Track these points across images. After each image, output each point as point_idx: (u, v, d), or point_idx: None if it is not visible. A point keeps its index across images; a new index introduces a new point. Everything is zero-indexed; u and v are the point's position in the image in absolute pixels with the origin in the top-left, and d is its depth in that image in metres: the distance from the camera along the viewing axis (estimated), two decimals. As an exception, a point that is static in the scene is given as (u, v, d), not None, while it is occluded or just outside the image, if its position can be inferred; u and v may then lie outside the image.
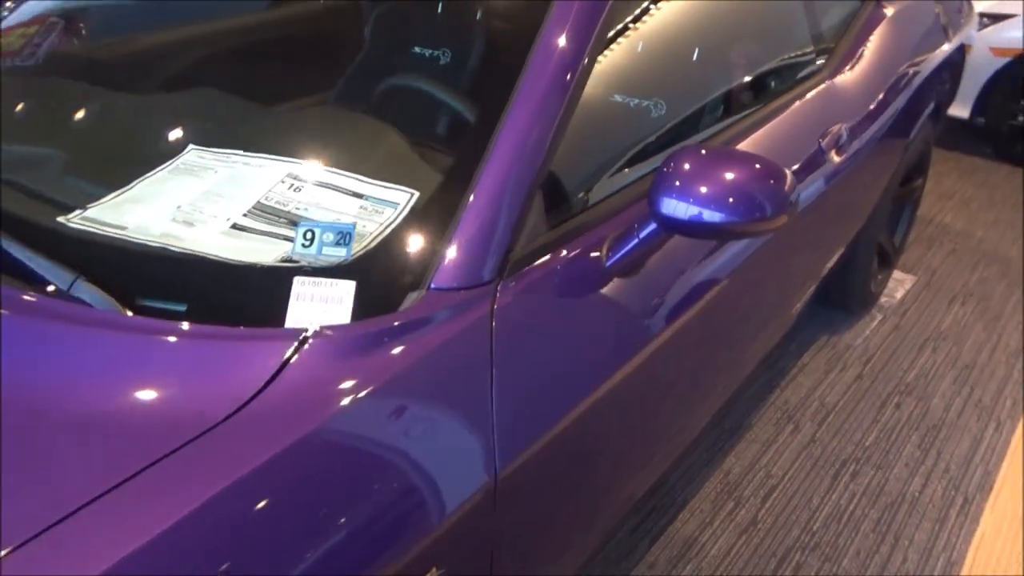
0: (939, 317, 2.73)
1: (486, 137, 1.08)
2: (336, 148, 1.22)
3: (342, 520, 0.78)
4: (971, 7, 2.97)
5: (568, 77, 1.14)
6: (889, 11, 2.23)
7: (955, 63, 2.82)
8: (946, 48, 2.58)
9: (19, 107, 1.39)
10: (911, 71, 2.30)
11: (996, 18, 3.96)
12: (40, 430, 0.76)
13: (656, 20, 1.48)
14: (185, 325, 0.87)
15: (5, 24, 1.65)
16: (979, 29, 3.84)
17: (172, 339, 0.85)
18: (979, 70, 3.97)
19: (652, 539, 1.82)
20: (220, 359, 0.83)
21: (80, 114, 1.40)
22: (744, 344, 1.71)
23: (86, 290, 0.91)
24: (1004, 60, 3.91)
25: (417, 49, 1.38)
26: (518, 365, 0.97)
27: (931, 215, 3.48)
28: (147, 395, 0.80)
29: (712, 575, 1.74)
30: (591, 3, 1.21)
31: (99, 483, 0.71)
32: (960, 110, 4.06)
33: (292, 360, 0.83)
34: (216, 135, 1.27)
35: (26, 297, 0.91)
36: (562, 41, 1.16)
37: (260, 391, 0.80)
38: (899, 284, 2.91)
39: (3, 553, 0.64)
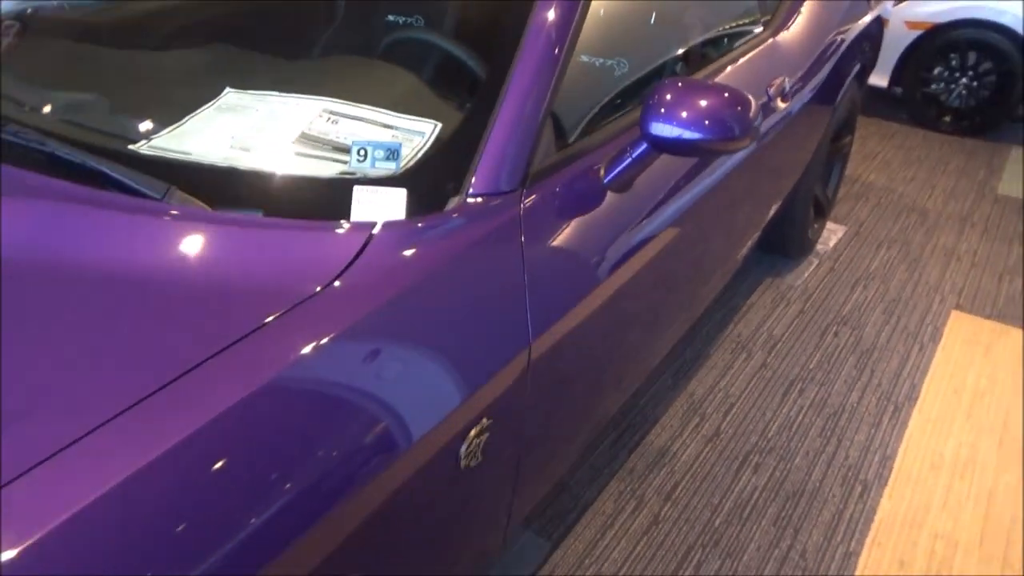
0: (868, 260, 3.04)
1: (501, 77, 1.27)
2: (361, 90, 1.39)
3: (420, 369, 0.96)
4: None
5: (565, 32, 1.33)
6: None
7: (875, 33, 3.12)
8: (867, 19, 2.87)
9: (69, 59, 1.52)
10: (839, 37, 2.57)
11: (910, -5, 4.33)
12: (175, 299, 0.92)
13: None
14: (280, 220, 1.03)
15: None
16: (896, 4, 4.19)
17: (272, 230, 1.02)
18: (896, 42, 4.33)
19: (630, 450, 2.04)
20: (312, 245, 1.00)
21: (122, 65, 1.53)
22: (702, 274, 1.94)
23: (179, 198, 1.06)
24: (917, 33, 4.27)
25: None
26: (542, 257, 1.17)
27: (857, 174, 3.81)
28: (251, 274, 0.97)
29: (684, 477, 1.97)
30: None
31: (223, 338, 0.87)
32: (880, 79, 4.42)
33: (367, 246, 1.01)
34: (246, 81, 1.42)
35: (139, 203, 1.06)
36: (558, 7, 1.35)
37: (347, 268, 0.97)
38: (832, 233, 3.21)
39: (152, 393, 0.80)
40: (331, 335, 0.90)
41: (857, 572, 1.74)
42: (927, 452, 2.09)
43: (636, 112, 1.52)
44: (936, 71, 4.33)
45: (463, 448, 1.04)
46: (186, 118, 1.30)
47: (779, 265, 2.93)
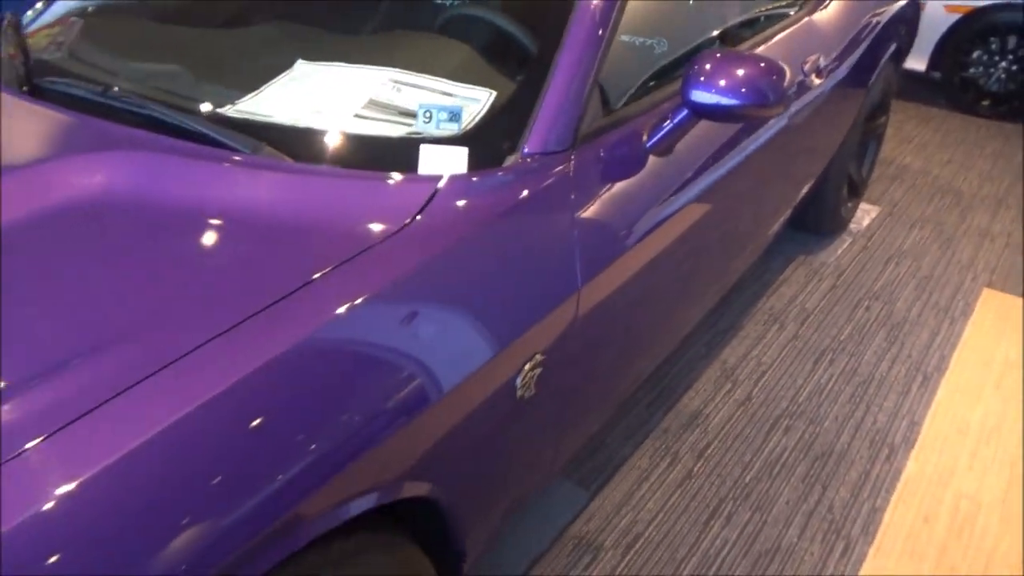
0: (901, 239, 3.09)
1: (552, 50, 1.37)
2: (420, 62, 1.50)
3: (481, 304, 1.08)
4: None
5: (611, 10, 1.43)
6: (856, -37, 2.55)
7: (911, 16, 3.15)
8: (903, 1, 2.92)
9: (152, 38, 1.66)
10: (874, 19, 2.63)
11: (949, -22, 4.33)
12: (271, 237, 1.04)
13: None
14: (358, 171, 1.16)
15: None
16: (934, -12, 4.20)
17: (351, 180, 1.14)
18: (935, 26, 4.33)
19: (664, 411, 2.14)
20: (387, 193, 1.12)
21: (199, 41, 1.67)
22: (735, 244, 2.03)
23: (267, 152, 1.19)
24: (956, 16, 4.27)
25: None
26: (589, 211, 1.28)
27: (893, 156, 3.84)
28: (335, 217, 1.09)
29: (716, 437, 2.07)
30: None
31: (314, 270, 0.99)
32: (918, 63, 4.43)
33: (435, 196, 1.12)
34: (314, 53, 1.54)
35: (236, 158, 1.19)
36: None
37: (418, 213, 1.09)
38: (865, 213, 3.26)
39: (261, 310, 0.93)
40: (404, 272, 1.02)
41: (883, 526, 1.82)
42: (954, 419, 2.16)
43: (675, 85, 1.61)
44: (975, 55, 4.32)
45: (519, 379, 1.15)
46: (263, 87, 1.43)
47: (812, 243, 3.00)
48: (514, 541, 1.74)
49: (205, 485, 0.78)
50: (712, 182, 1.66)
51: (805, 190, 2.52)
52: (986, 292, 2.75)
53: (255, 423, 0.83)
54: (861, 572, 1.71)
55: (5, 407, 0.79)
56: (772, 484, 1.93)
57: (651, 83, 1.63)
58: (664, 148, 1.45)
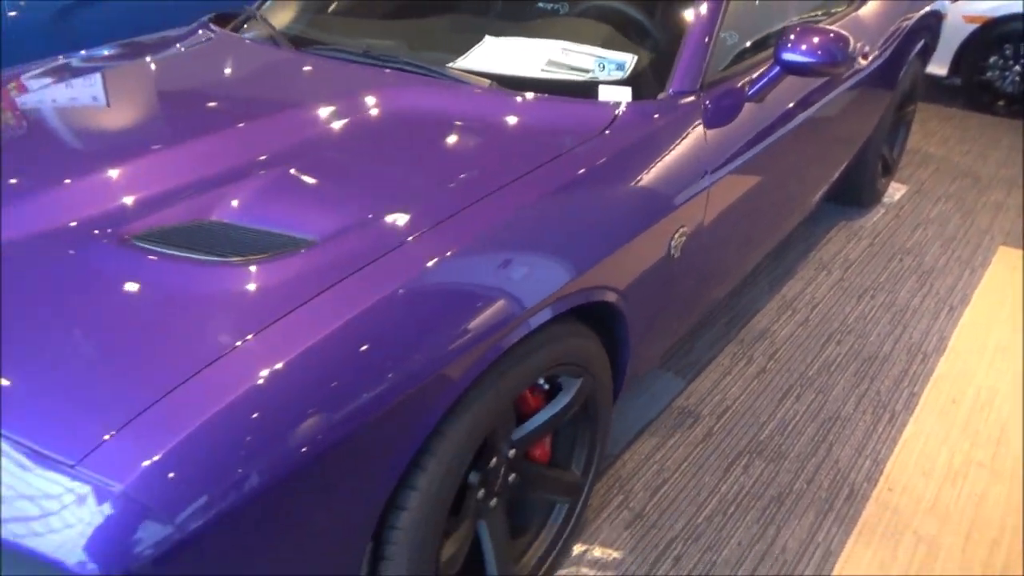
0: (927, 210, 3.59)
1: (682, 26, 1.91)
2: (579, 36, 2.05)
3: (650, 185, 1.60)
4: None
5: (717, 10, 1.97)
6: (890, -27, 3.10)
7: (934, 24, 3.68)
8: (928, 8, 3.45)
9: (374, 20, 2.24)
10: (904, 20, 3.16)
11: (967, -7, 4.86)
12: (504, 139, 1.58)
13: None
14: (567, 97, 1.71)
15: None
16: (953, 1, 4.73)
17: (562, 103, 1.69)
18: (954, 35, 4.86)
19: (739, 328, 2.65)
20: (588, 110, 1.66)
21: (412, 22, 2.24)
22: (798, 187, 2.54)
23: (495, 87, 1.73)
24: (974, 26, 4.79)
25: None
26: (711, 132, 1.81)
27: (919, 147, 4.35)
28: (554, 125, 1.62)
29: (782, 346, 2.57)
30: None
31: (540, 159, 1.52)
32: (940, 69, 4.95)
33: (618, 113, 1.66)
34: (494, 31, 2.09)
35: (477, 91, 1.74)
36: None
37: (610, 123, 1.63)
38: (896, 190, 3.77)
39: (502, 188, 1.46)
40: (603, 160, 1.56)
41: (919, 404, 2.32)
42: (975, 340, 2.65)
43: (759, 56, 2.13)
44: (991, 60, 4.84)
45: (672, 241, 1.68)
46: (468, 52, 1.98)
47: (851, 212, 3.51)
48: (629, 412, 2.25)
49: (474, 296, 1.31)
50: (785, 130, 2.18)
51: (845, 163, 3.03)
52: (1001, 248, 3.25)
53: (515, 248, 1.35)
54: (903, 435, 2.21)
55: (330, 251, 1.33)
56: (830, 377, 2.43)
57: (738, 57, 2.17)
58: (759, 96, 1.98)
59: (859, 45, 2.65)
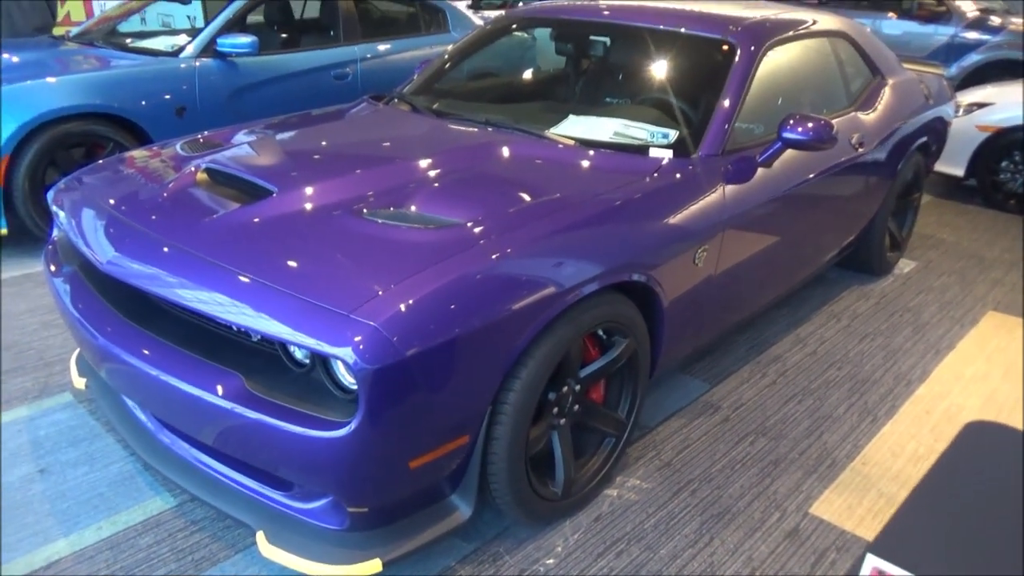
0: (932, 281, 4.21)
1: (710, 111, 2.68)
2: (637, 117, 2.84)
3: (686, 214, 2.34)
4: (950, 89, 4.58)
5: (740, 89, 2.74)
6: (889, 82, 3.85)
7: (940, 126, 4.38)
8: (928, 114, 4.17)
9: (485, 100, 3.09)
10: (902, 120, 3.88)
11: (981, 105, 5.57)
12: (578, 178, 2.35)
13: (766, 76, 3.11)
14: (627, 153, 2.48)
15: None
16: (967, 113, 5.45)
17: (624, 154, 2.47)
18: (969, 141, 5.54)
19: (757, 352, 3.29)
20: (639, 162, 2.43)
21: (513, 103, 3.08)
22: (807, 243, 3.22)
23: (578, 144, 2.52)
24: (986, 134, 5.48)
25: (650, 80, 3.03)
26: (730, 187, 2.54)
27: (932, 233, 4.99)
28: (617, 168, 2.38)
29: (791, 369, 3.20)
30: (744, 64, 2.83)
31: (608, 191, 2.27)
32: (956, 170, 5.62)
33: (662, 164, 2.42)
34: (575, 112, 2.89)
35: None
36: (738, 74, 2.77)
37: (656, 170, 2.38)
38: (906, 265, 4.40)
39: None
40: (649, 192, 2.30)
41: (906, 403, 2.90)
42: (959, 368, 3.24)
43: (769, 137, 2.89)
44: (1003, 163, 5.49)
45: (695, 255, 2.39)
46: (559, 124, 2.79)
47: (864, 279, 4.15)
48: (664, 403, 2.90)
49: (552, 266, 2.04)
50: (790, 194, 2.90)
51: (852, 234, 3.71)
52: (991, 312, 3.83)
53: (582, 241, 2.09)
54: (881, 431, 2.79)
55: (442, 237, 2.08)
56: (829, 390, 3.04)
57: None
58: (767, 163, 2.72)
59: (856, 136, 3.38)
